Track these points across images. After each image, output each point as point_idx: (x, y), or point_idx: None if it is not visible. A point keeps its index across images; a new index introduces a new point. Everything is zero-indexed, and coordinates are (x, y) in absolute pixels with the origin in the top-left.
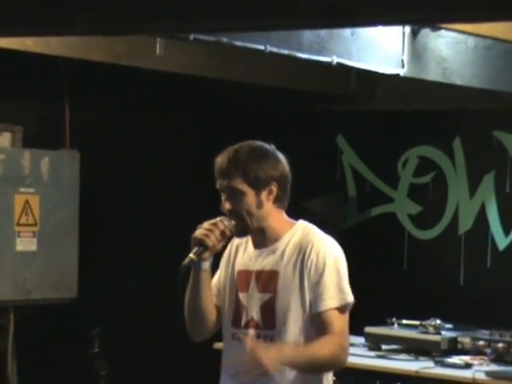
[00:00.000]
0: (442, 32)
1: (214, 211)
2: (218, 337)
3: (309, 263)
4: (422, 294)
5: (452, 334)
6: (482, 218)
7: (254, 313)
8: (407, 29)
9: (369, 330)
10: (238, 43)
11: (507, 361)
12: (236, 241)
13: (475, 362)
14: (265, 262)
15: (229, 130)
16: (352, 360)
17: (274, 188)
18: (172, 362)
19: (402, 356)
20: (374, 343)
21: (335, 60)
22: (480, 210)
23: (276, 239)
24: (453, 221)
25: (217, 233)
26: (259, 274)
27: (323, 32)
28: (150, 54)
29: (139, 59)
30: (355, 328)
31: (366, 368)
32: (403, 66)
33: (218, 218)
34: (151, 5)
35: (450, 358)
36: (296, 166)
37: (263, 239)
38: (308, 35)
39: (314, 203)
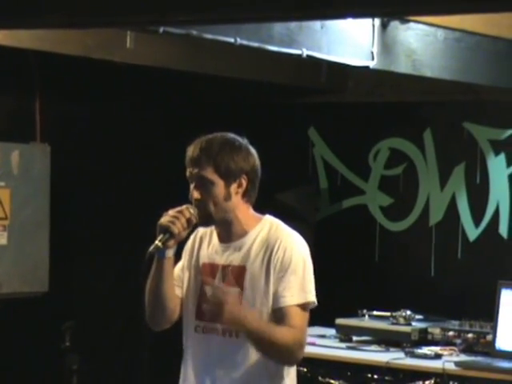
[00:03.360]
0: (412, 24)
1: (187, 202)
2: None
3: (275, 259)
4: (392, 285)
5: (422, 325)
6: (452, 209)
7: None
8: (377, 21)
9: (340, 321)
10: (208, 36)
11: (477, 351)
12: (200, 232)
13: (445, 353)
14: (232, 256)
15: (200, 123)
16: (323, 351)
17: (244, 181)
18: (144, 355)
19: (372, 347)
20: (345, 334)
21: (305, 52)
22: (450, 201)
23: (243, 234)
24: (424, 212)
25: (183, 220)
26: (226, 268)
27: (293, 25)
28: (120, 47)
29: (110, 52)
30: (326, 319)
31: (337, 359)
32: (373, 59)
33: (184, 206)
34: None
35: (420, 348)
36: (268, 159)
37: (229, 233)
38: (278, 28)
39: (286, 196)
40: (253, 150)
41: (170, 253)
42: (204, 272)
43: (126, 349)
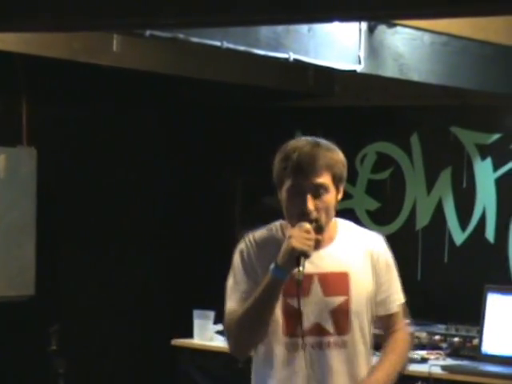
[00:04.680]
0: (398, 28)
1: (173, 205)
2: (176, 333)
3: (379, 262)
4: None
5: None
6: (439, 213)
7: (320, 319)
8: (364, 25)
9: None
10: (195, 39)
11: (463, 355)
12: (258, 239)
13: (431, 357)
14: (327, 263)
15: (188, 127)
16: None
17: (344, 187)
18: (131, 359)
19: None
20: None
21: (292, 56)
22: (437, 205)
23: (330, 239)
24: (410, 216)
25: (313, 240)
26: (323, 276)
27: (280, 28)
28: (106, 50)
29: (96, 56)
30: None
31: None
32: (360, 63)
33: (304, 224)
34: (107, 1)
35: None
36: (255, 162)
37: (319, 240)
38: (265, 31)
39: (273, 200)
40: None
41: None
42: (290, 284)
43: (112, 352)
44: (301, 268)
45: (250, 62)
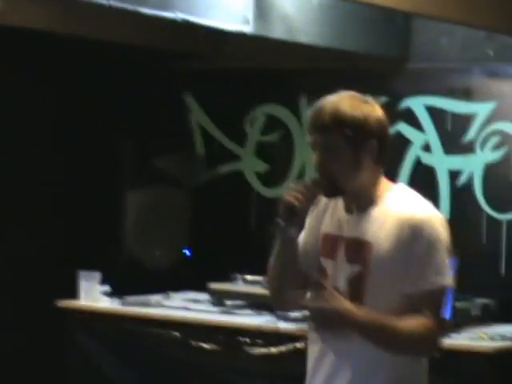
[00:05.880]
0: None
1: (61, 166)
2: (60, 295)
3: (410, 238)
4: (268, 250)
5: None
6: None
7: (341, 284)
8: None
9: (213, 285)
10: None
11: None
12: (324, 199)
13: None
14: (357, 229)
15: (74, 88)
16: (196, 316)
17: (375, 143)
18: (15, 321)
19: (245, 311)
20: (219, 299)
21: (180, 16)
22: None
23: (371, 204)
24: (299, 178)
25: (308, 195)
26: (350, 241)
27: None
28: None
29: None
30: (200, 284)
31: (210, 324)
32: (249, 24)
33: (310, 180)
34: None
35: (291, 312)
36: (143, 125)
37: (356, 203)
38: None
39: (163, 162)
40: (378, 107)
41: (293, 231)
42: (324, 244)
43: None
44: (279, 221)
45: (137, 21)
